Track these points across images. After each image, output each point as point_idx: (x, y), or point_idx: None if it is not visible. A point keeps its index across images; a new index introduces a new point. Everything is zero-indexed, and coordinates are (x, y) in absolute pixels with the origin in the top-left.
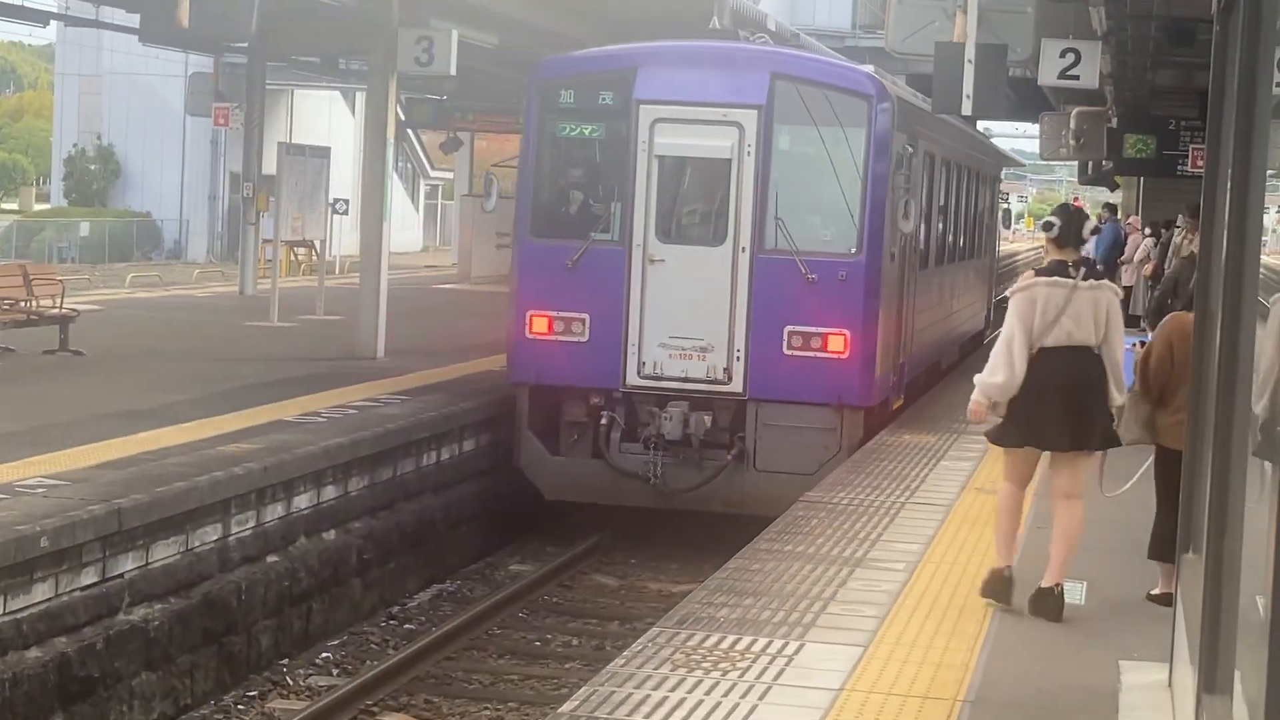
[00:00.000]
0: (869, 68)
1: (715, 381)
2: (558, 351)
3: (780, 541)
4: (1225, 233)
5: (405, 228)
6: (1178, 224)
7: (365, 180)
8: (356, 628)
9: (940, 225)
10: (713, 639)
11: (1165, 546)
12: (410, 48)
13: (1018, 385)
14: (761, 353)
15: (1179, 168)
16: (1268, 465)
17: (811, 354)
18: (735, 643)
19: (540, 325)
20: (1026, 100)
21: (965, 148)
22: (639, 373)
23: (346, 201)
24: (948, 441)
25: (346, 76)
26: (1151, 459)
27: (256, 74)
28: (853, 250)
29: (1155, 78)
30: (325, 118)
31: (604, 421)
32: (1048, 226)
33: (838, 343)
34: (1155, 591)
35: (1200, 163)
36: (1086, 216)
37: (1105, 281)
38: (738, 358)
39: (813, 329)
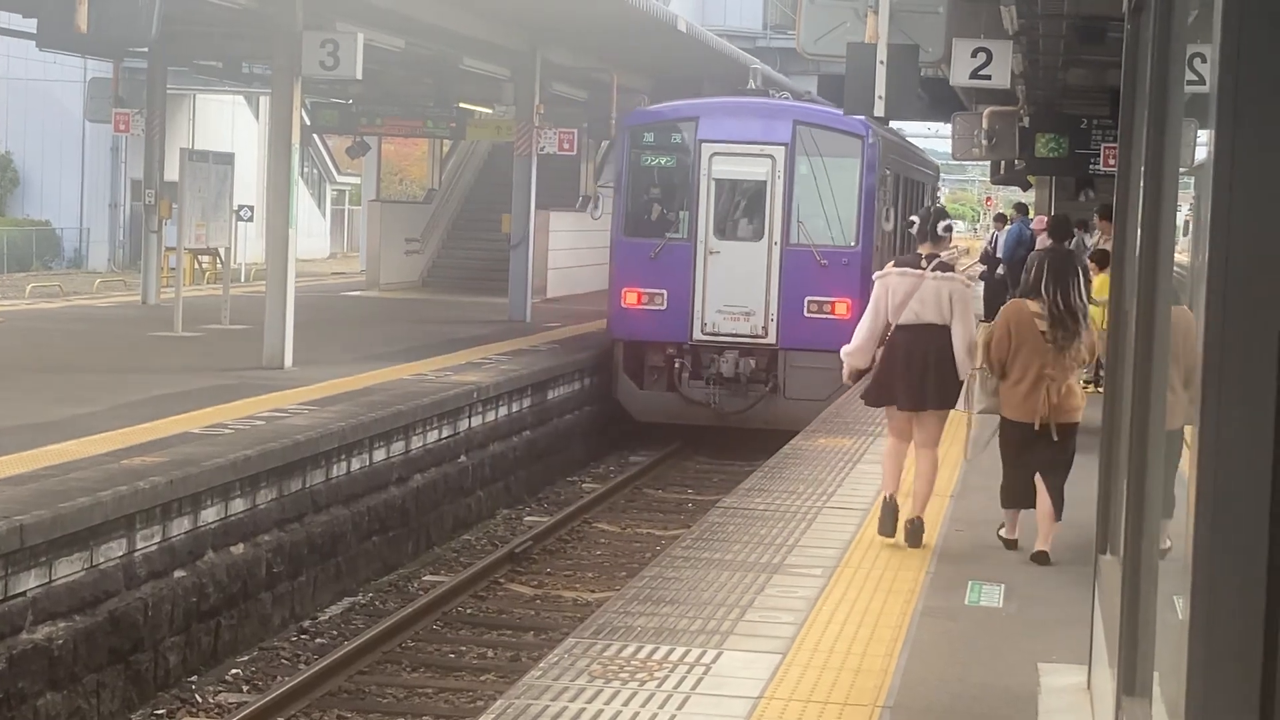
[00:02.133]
0: (860, 115)
1: (756, 336)
2: (644, 317)
3: (697, 549)
4: (1138, 231)
5: (312, 234)
6: (1092, 224)
7: (270, 186)
8: (267, 643)
9: (902, 224)
10: (630, 648)
11: (1008, 498)
12: (315, 51)
13: (868, 354)
14: (789, 315)
15: (1091, 166)
16: (1184, 465)
17: (824, 316)
18: (653, 652)
19: (631, 298)
20: (939, 100)
21: (916, 164)
22: (702, 330)
23: (251, 208)
24: (864, 445)
25: (250, 80)
26: (997, 427)
27: (157, 79)
28: (852, 244)
29: (1066, 77)
30: (228, 123)
31: (677, 365)
32: (910, 224)
33: (842, 308)
34: (1002, 533)
35: (1112, 161)
36: (943, 215)
37: (952, 274)
38: (772, 319)
39: (824, 298)
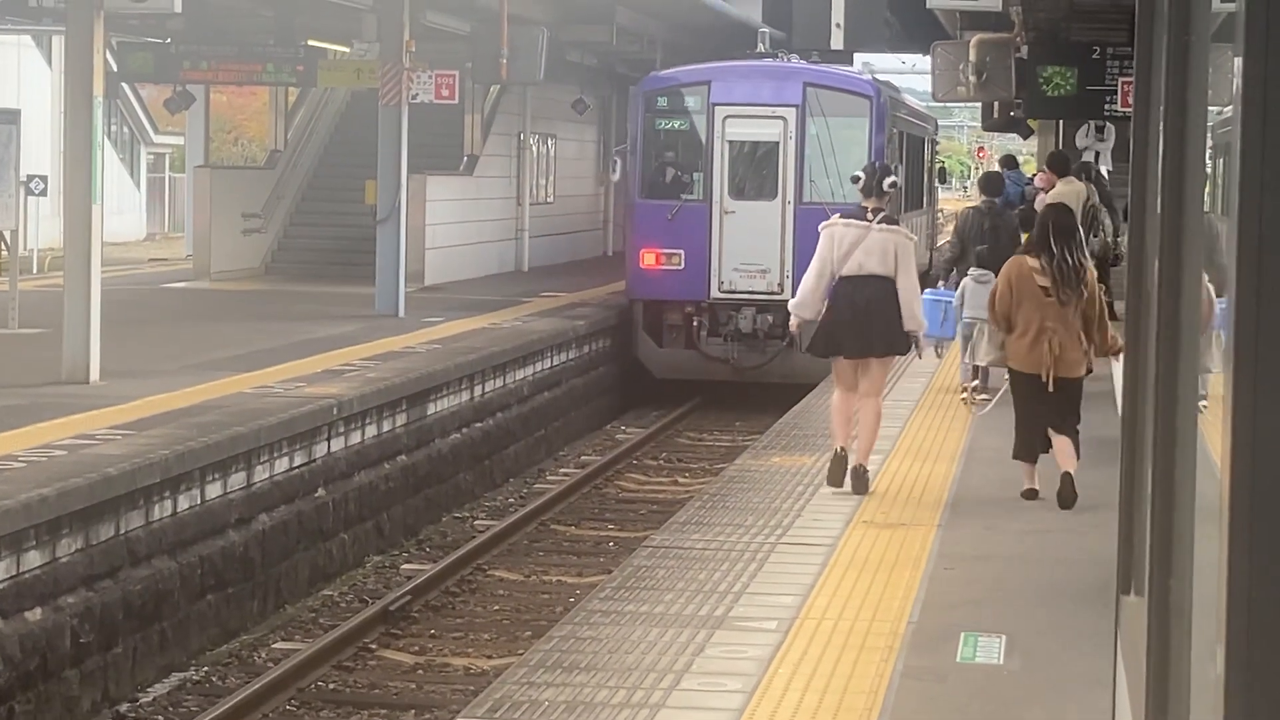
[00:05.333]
0: (869, 75)
1: (772, 293)
2: (662, 276)
3: (620, 600)
4: (1159, 189)
5: (123, 211)
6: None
7: (68, 151)
8: None
9: (902, 181)
10: None
11: (1021, 450)
12: None
13: (814, 305)
14: (804, 271)
15: (1107, 106)
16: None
17: None
18: None
19: (649, 259)
20: (913, 27)
21: (916, 120)
22: (719, 289)
23: (44, 179)
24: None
25: (38, 16)
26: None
27: None
28: None
29: None
30: (13, 71)
31: (695, 323)
32: (855, 179)
33: None
34: (1024, 488)
35: (1132, 101)
36: (889, 172)
37: (898, 227)
38: (787, 276)
39: None
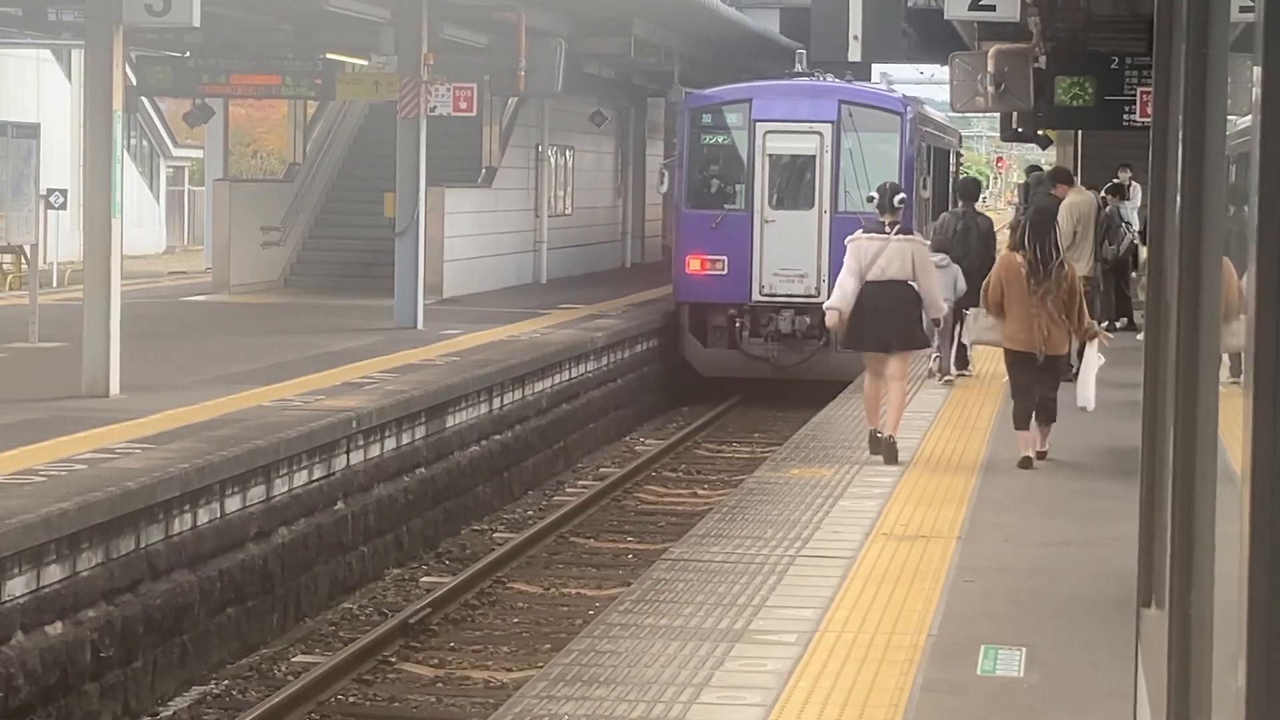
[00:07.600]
0: (899, 92)
1: (810, 296)
2: (707, 281)
3: (639, 613)
4: (1179, 200)
5: (142, 224)
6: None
7: (87, 164)
8: None
9: (930, 192)
10: None
11: (1019, 421)
12: None
13: (848, 305)
14: (838, 276)
15: (1125, 117)
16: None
17: None
18: None
19: (695, 265)
20: (930, 38)
21: (942, 133)
22: (760, 292)
23: (64, 193)
24: (847, 475)
25: (59, 31)
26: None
27: None
28: None
29: (1092, 5)
30: (33, 85)
31: (738, 324)
32: (870, 199)
33: None
34: (1021, 456)
35: (1151, 110)
36: (898, 190)
37: (914, 236)
38: (824, 280)
39: None
